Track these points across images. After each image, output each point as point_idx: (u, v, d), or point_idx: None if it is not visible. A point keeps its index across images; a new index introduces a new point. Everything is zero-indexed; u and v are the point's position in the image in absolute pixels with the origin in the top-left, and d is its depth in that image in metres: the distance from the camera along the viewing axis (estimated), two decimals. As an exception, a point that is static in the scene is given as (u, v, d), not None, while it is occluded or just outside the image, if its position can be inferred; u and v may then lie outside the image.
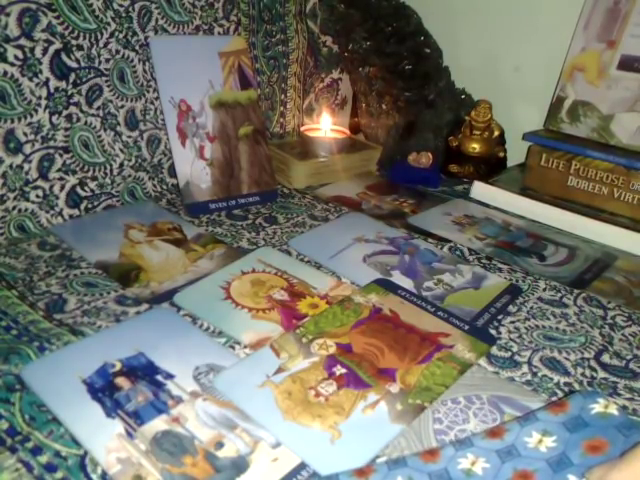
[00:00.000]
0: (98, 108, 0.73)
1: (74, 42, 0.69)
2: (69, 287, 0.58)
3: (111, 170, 0.76)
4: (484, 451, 0.36)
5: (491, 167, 0.95)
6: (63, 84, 0.69)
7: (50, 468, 0.38)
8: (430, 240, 0.74)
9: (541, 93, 0.92)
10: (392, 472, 0.35)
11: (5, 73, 0.63)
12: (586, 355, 0.53)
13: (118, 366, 0.47)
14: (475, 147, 0.94)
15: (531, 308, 0.61)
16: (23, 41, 0.64)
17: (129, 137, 0.77)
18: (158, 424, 0.42)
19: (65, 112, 0.70)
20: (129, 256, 0.65)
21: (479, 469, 0.35)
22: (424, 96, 0.97)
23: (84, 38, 0.69)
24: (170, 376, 0.47)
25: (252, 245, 0.70)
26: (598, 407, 0.37)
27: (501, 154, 0.97)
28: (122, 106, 0.76)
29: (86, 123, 0.72)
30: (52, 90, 0.68)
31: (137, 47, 0.76)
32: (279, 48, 0.95)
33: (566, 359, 0.53)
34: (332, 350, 0.51)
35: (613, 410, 0.37)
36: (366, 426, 0.43)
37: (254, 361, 0.49)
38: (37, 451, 0.39)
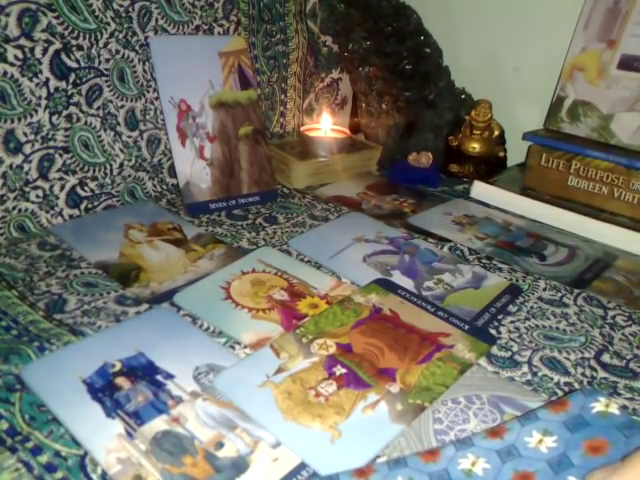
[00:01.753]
0: (98, 108, 0.73)
1: (74, 42, 0.69)
2: (69, 287, 0.58)
3: (111, 170, 0.76)
4: (485, 451, 0.36)
5: (491, 167, 0.95)
6: (63, 84, 0.69)
7: (50, 468, 0.38)
8: (430, 240, 0.74)
9: (541, 93, 0.92)
10: (392, 472, 0.35)
11: (5, 73, 0.63)
12: (586, 355, 0.53)
13: (118, 366, 0.47)
14: (475, 147, 0.94)
15: (531, 308, 0.61)
16: (23, 41, 0.64)
17: (129, 137, 0.77)
18: (158, 424, 0.42)
19: (65, 112, 0.70)
20: (129, 256, 0.65)
21: (479, 470, 0.35)
22: (424, 96, 0.97)
23: (84, 38, 0.69)
24: (170, 376, 0.47)
25: (252, 245, 0.70)
26: (599, 406, 0.37)
27: (501, 154, 0.97)
28: (122, 106, 0.76)
29: (86, 123, 0.72)
30: (52, 90, 0.68)
31: (137, 47, 0.76)
32: (279, 48, 0.95)
33: (566, 359, 0.53)
34: (332, 350, 0.51)
35: (614, 409, 0.37)
36: (366, 426, 0.43)
37: (254, 361, 0.49)
38: (37, 451, 0.39)
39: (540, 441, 0.36)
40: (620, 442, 0.35)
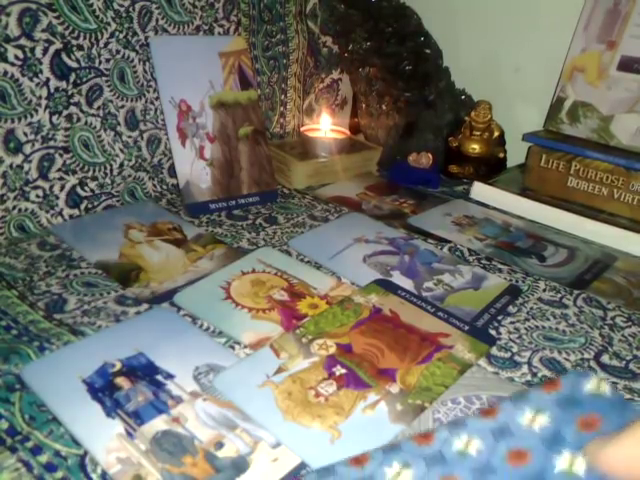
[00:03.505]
0: (98, 108, 0.73)
1: (74, 42, 0.69)
2: (69, 287, 0.58)
3: (111, 170, 0.76)
4: (478, 431, 0.36)
5: (491, 168, 0.95)
6: (63, 84, 0.69)
7: (50, 468, 0.38)
8: (430, 240, 0.74)
9: (541, 94, 0.92)
10: (387, 457, 0.35)
11: (5, 73, 0.63)
12: (586, 356, 0.54)
13: (118, 366, 0.47)
14: (475, 148, 0.94)
15: (531, 309, 0.61)
16: (23, 41, 0.64)
17: (129, 137, 0.77)
18: (158, 424, 0.42)
19: (65, 112, 0.70)
20: (129, 256, 0.65)
21: (473, 450, 0.35)
22: (424, 97, 0.97)
23: (84, 38, 0.70)
24: (170, 376, 0.47)
25: (252, 245, 0.70)
26: (590, 385, 0.37)
27: (501, 155, 0.97)
28: (122, 106, 0.76)
29: (86, 123, 0.72)
30: (52, 90, 0.68)
31: (137, 47, 0.76)
32: (279, 48, 0.95)
33: (566, 359, 0.53)
34: (332, 350, 0.51)
35: (605, 389, 0.37)
36: (366, 426, 0.43)
37: (254, 361, 0.49)
38: (37, 451, 0.39)
39: (533, 419, 0.36)
40: (613, 417, 0.35)
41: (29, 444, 0.40)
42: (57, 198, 0.71)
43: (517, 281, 0.66)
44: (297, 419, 0.43)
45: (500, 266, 0.69)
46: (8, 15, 0.62)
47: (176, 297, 0.58)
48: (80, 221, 0.73)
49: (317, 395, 0.46)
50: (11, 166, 0.66)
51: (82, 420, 0.42)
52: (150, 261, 0.64)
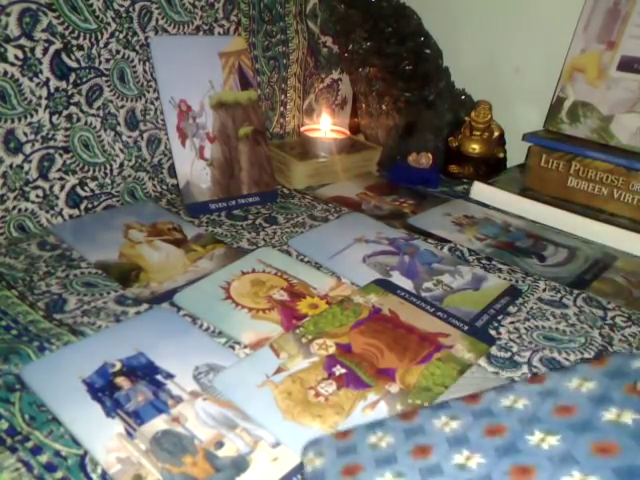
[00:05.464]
0: (98, 108, 0.73)
1: (74, 42, 0.69)
2: (69, 287, 0.58)
3: (111, 170, 0.76)
4: (525, 392, 0.38)
5: (491, 168, 0.95)
6: (63, 84, 0.69)
7: (50, 468, 0.38)
8: (430, 240, 0.74)
9: (541, 94, 0.92)
10: (435, 412, 0.37)
11: (5, 73, 0.63)
12: (586, 355, 0.54)
13: (118, 366, 0.47)
14: (475, 148, 0.94)
15: (531, 308, 0.61)
16: (23, 41, 0.64)
17: (129, 137, 0.77)
18: (158, 424, 0.42)
19: (65, 112, 0.70)
20: (129, 256, 0.65)
21: (520, 405, 0.36)
22: (424, 97, 0.97)
23: (84, 38, 0.70)
24: (170, 376, 0.47)
25: (252, 245, 0.70)
26: (638, 363, 0.38)
27: (501, 155, 0.97)
28: (122, 106, 0.76)
29: (86, 123, 0.72)
30: (52, 90, 0.68)
31: (137, 47, 0.76)
32: (279, 48, 0.95)
33: (566, 359, 0.53)
34: (332, 350, 0.51)
35: None
36: (366, 426, 0.43)
37: (254, 361, 0.49)
38: (37, 451, 0.39)
39: (580, 384, 0.37)
40: None
41: (29, 444, 0.40)
42: (57, 198, 0.71)
43: (517, 281, 0.66)
44: (297, 419, 0.43)
45: (500, 266, 0.69)
46: (8, 15, 0.62)
47: (176, 297, 0.58)
48: (80, 221, 0.73)
49: (317, 395, 0.46)
50: (11, 166, 0.66)
51: (82, 420, 0.42)
52: (150, 261, 0.64)
